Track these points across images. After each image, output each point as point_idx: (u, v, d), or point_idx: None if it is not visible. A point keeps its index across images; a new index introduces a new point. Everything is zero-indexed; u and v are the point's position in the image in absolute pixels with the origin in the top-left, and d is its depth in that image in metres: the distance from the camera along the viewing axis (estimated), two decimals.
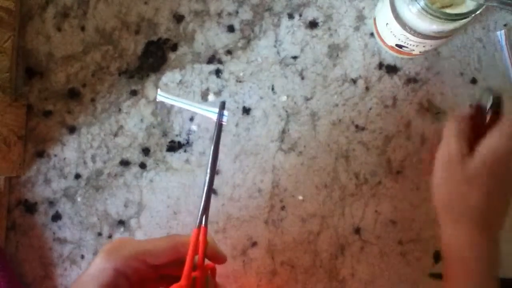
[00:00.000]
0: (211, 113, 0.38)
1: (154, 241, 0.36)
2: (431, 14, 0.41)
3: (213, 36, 0.55)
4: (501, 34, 0.53)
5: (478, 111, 0.43)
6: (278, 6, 0.55)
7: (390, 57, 0.54)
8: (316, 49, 0.54)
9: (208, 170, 0.37)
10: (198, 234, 0.36)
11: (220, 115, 0.38)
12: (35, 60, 0.56)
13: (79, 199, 0.55)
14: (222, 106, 0.38)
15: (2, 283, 0.51)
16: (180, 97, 0.39)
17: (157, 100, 0.44)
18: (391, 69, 0.53)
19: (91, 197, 0.55)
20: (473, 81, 0.53)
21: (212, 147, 0.37)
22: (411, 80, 0.53)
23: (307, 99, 0.54)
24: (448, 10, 0.42)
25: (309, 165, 0.53)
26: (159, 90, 0.39)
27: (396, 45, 0.49)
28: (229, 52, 0.55)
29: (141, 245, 0.35)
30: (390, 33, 0.48)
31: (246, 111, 0.54)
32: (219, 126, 0.38)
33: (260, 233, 0.53)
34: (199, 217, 0.36)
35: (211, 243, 0.37)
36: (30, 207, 0.55)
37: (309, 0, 0.54)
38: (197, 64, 0.55)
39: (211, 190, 0.37)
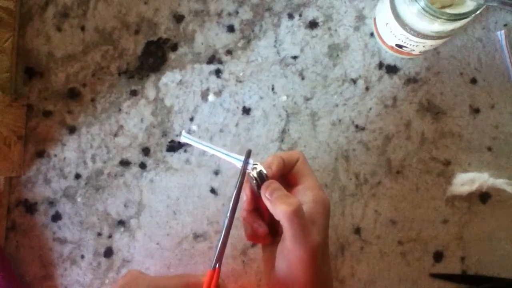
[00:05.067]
0: (236, 161, 0.38)
1: (167, 278, 0.37)
2: (431, 14, 0.41)
3: (213, 36, 0.55)
4: (501, 34, 0.53)
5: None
6: (278, 6, 0.55)
7: (390, 57, 0.54)
8: (316, 49, 0.54)
9: (228, 215, 0.37)
10: (212, 276, 0.36)
11: (246, 163, 0.38)
12: (35, 60, 0.56)
13: (79, 199, 0.55)
14: (248, 154, 0.38)
15: (2, 283, 0.51)
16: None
17: (181, 141, 0.44)
18: (391, 69, 0.53)
19: (91, 197, 0.55)
20: (473, 81, 0.53)
21: (234, 193, 0.38)
22: (411, 80, 0.53)
23: (307, 99, 0.54)
24: (448, 10, 0.42)
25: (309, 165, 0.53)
26: (183, 131, 0.39)
27: (396, 45, 0.49)
28: (229, 52, 0.55)
29: (154, 282, 0.37)
30: (390, 33, 0.48)
31: (246, 111, 0.54)
32: (243, 174, 0.38)
33: None
34: (214, 260, 0.37)
35: (222, 285, 0.38)
36: (30, 207, 0.55)
37: (309, 0, 0.54)
38: (197, 64, 0.55)
39: (228, 235, 0.37)
